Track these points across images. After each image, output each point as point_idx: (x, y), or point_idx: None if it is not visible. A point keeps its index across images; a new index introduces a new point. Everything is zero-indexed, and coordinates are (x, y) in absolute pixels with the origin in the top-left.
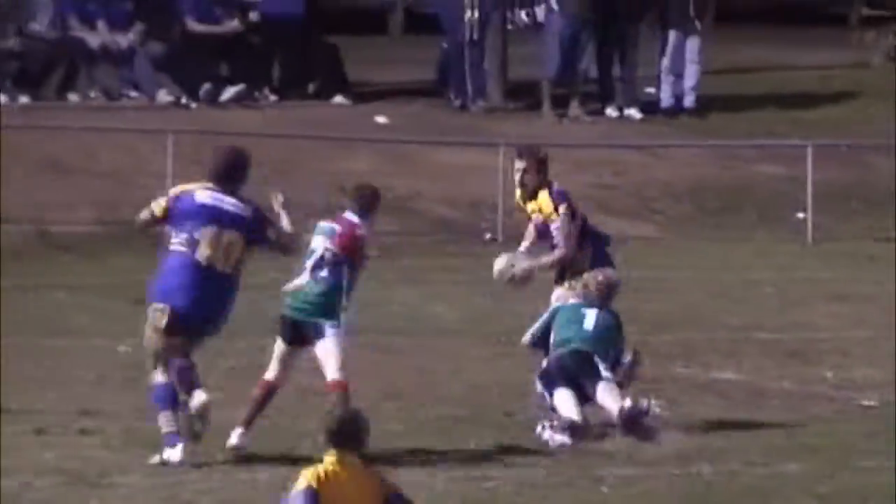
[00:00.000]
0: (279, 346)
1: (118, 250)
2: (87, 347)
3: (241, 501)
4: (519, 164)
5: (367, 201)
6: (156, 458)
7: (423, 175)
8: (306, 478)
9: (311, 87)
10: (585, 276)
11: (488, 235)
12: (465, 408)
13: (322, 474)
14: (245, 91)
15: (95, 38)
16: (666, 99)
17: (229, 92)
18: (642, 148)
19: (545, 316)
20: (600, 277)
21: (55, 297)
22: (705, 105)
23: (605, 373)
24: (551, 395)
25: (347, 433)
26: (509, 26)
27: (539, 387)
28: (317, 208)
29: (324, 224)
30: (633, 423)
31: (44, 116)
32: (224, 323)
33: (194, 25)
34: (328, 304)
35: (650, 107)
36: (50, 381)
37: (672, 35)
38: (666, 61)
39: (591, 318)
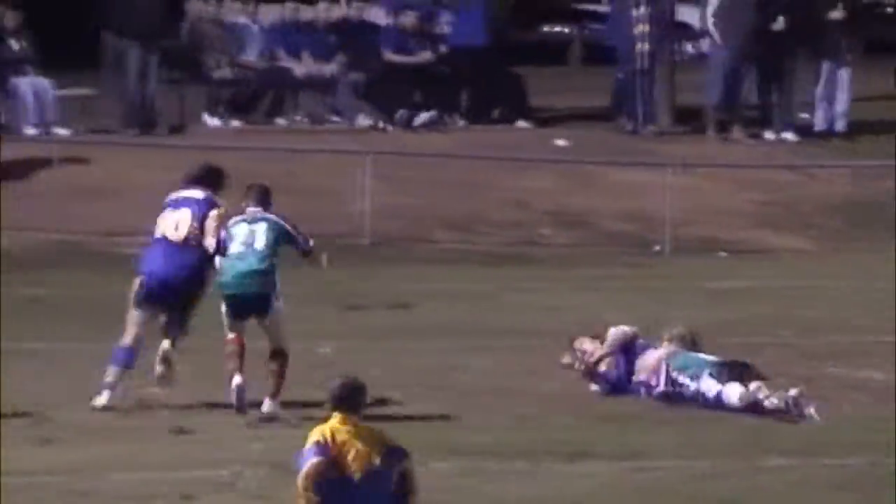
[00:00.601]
0: None
1: None
2: (294, 350)
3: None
4: None
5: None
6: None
7: (598, 193)
8: (316, 435)
9: (496, 113)
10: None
11: (657, 248)
12: (636, 405)
13: (329, 432)
14: (436, 116)
15: (301, 67)
16: (819, 123)
17: (422, 117)
18: (797, 168)
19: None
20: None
21: None
22: (855, 129)
23: None
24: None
25: (349, 397)
26: (677, 58)
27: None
28: (500, 222)
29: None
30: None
31: (254, 139)
32: None
33: (391, 56)
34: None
35: (805, 130)
36: (258, 380)
37: (825, 66)
38: (819, 89)
39: None
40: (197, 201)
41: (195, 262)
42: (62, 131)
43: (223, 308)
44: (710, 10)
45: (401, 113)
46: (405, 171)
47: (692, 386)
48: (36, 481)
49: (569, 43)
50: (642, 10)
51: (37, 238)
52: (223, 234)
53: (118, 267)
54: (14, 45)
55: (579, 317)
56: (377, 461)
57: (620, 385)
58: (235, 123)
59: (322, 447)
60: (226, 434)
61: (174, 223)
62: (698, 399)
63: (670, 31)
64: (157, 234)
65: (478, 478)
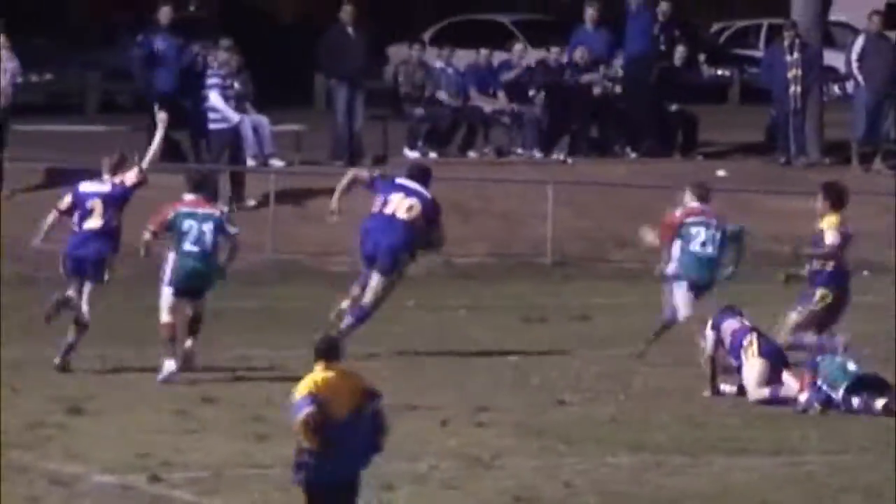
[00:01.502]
0: None
1: (508, 277)
2: (483, 358)
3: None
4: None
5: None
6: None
7: (756, 217)
8: (306, 386)
9: (668, 146)
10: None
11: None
12: (785, 407)
13: (316, 380)
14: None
15: (490, 105)
16: None
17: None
18: None
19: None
20: None
21: (457, 315)
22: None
23: None
24: None
25: (330, 349)
26: (825, 98)
27: None
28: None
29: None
30: None
31: (449, 169)
32: None
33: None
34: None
35: None
36: (451, 384)
37: None
38: None
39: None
40: (424, 197)
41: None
42: (278, 163)
43: None
44: (853, 55)
45: (572, 144)
46: (583, 197)
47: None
48: (255, 474)
49: (729, 84)
50: (795, 55)
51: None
52: None
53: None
54: (236, 84)
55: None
56: (358, 402)
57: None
58: (432, 155)
59: (313, 396)
60: (422, 429)
61: (408, 205)
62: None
63: (819, 74)
64: (388, 211)
65: (656, 472)
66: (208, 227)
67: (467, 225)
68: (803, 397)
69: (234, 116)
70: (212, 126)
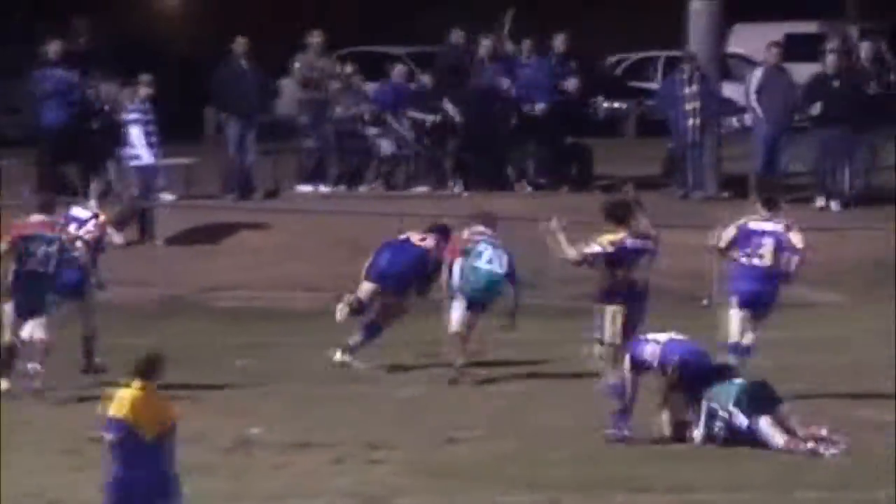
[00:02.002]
0: None
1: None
2: (377, 393)
3: None
4: None
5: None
6: None
7: None
8: (118, 406)
9: (562, 179)
10: None
11: (704, 301)
12: (688, 445)
13: (127, 399)
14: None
15: (385, 141)
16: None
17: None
18: (833, 230)
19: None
20: None
21: None
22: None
23: None
24: None
25: (149, 367)
26: (723, 130)
27: None
28: (564, 278)
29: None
30: None
31: (339, 203)
32: None
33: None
34: None
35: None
36: (345, 421)
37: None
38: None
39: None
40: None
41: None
42: (168, 196)
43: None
44: (752, 87)
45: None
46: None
47: (724, 419)
48: None
49: (626, 117)
50: (693, 87)
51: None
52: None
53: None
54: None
55: None
56: (166, 429)
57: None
58: (323, 189)
59: (119, 421)
60: (315, 467)
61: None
62: (734, 434)
63: (717, 106)
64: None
65: None
66: (52, 250)
67: (359, 261)
68: (696, 433)
69: (149, 156)
70: (132, 163)
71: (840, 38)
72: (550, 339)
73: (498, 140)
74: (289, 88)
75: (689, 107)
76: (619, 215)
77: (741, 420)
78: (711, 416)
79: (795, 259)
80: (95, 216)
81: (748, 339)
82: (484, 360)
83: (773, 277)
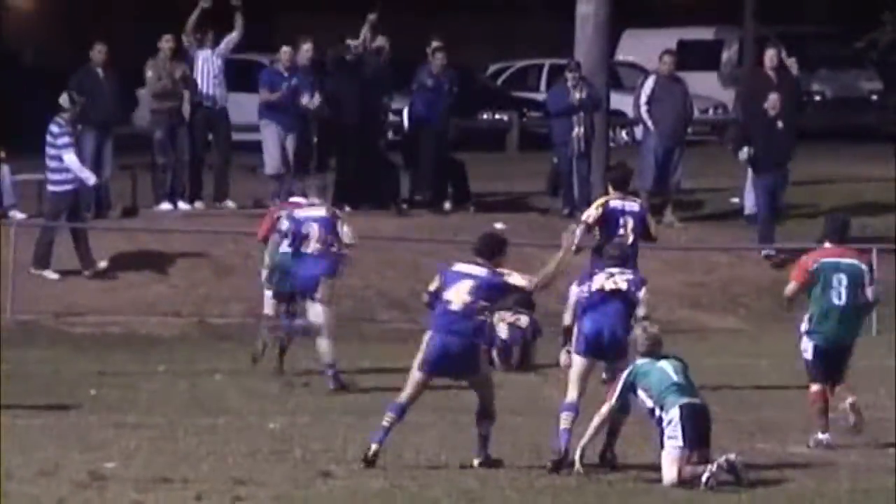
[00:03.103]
0: None
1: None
2: (241, 426)
3: None
4: None
5: None
6: None
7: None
8: None
9: (438, 197)
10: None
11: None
12: (571, 477)
13: None
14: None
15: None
16: (749, 207)
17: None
18: (728, 250)
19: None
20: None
21: (212, 380)
22: (784, 212)
23: None
24: None
25: None
26: (611, 144)
27: None
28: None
29: None
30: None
31: (202, 222)
32: None
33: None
34: None
35: (735, 215)
36: (207, 455)
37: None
38: (750, 174)
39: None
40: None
41: None
42: (19, 215)
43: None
44: (642, 98)
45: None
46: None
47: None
48: None
49: (507, 129)
50: (579, 98)
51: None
52: None
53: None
54: None
55: (520, 393)
56: None
57: None
58: (184, 206)
59: None
60: None
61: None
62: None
63: (605, 118)
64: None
65: None
66: None
67: (223, 282)
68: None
69: (91, 176)
70: (54, 188)
71: (738, 44)
72: None
73: (372, 155)
74: (147, 98)
75: (574, 119)
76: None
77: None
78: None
79: None
80: None
81: None
82: (358, 387)
83: None
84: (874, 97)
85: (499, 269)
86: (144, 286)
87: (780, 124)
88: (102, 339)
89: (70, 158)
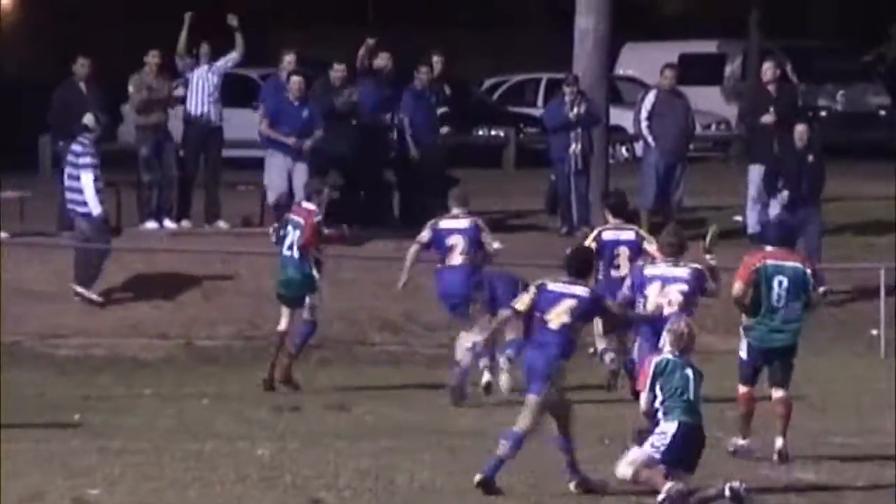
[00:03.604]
0: None
1: (257, 362)
2: (229, 451)
3: None
4: None
5: None
6: None
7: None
8: None
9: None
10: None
11: (591, 350)
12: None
13: None
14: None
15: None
16: (752, 226)
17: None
18: (732, 270)
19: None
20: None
21: (199, 404)
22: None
23: None
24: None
25: None
26: (611, 160)
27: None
28: (434, 324)
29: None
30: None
31: (188, 241)
32: None
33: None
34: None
35: (739, 234)
36: (194, 482)
37: (754, 170)
38: (752, 193)
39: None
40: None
41: None
42: (2, 234)
43: None
44: (643, 113)
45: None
46: (344, 273)
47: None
48: None
49: (504, 145)
50: (578, 113)
51: None
52: None
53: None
54: None
55: (505, 419)
56: None
57: None
58: (170, 225)
59: None
60: None
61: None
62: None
63: (604, 134)
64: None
65: None
66: None
67: (211, 304)
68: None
69: (98, 207)
70: (82, 209)
71: (742, 58)
72: (416, 390)
73: (370, 175)
74: (132, 114)
75: (573, 135)
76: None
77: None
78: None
79: None
80: None
81: None
82: (348, 411)
83: None
84: (882, 112)
85: (597, 293)
86: (130, 307)
87: (811, 158)
88: (87, 361)
89: (87, 180)
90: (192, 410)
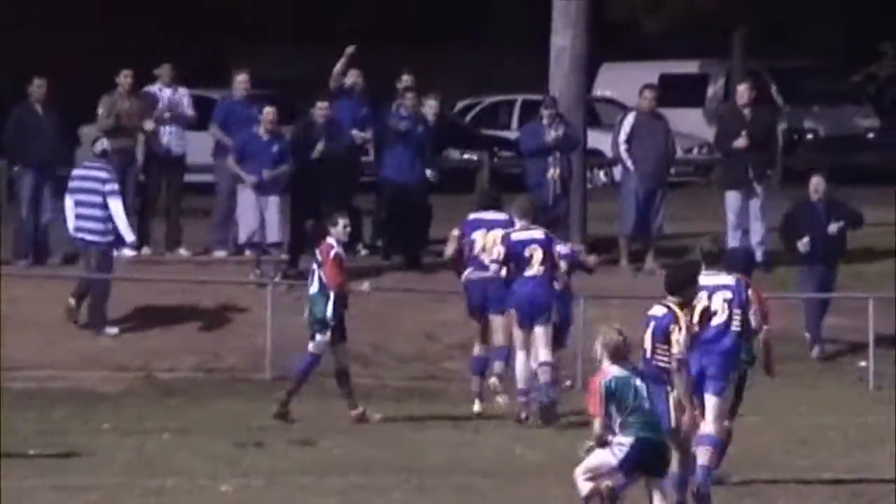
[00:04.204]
0: None
1: (220, 395)
2: (192, 488)
3: None
4: None
5: None
6: None
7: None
8: None
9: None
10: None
11: (568, 382)
12: None
13: None
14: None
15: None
16: None
17: None
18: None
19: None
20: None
21: (160, 439)
22: (774, 259)
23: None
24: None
25: None
26: (589, 185)
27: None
28: (406, 356)
29: None
30: None
31: (147, 270)
32: None
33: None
34: None
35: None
36: None
37: (731, 196)
38: (731, 219)
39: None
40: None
41: None
42: None
43: None
44: (621, 136)
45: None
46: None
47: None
48: None
49: (477, 169)
50: (555, 136)
51: None
52: None
53: None
54: None
55: (489, 454)
56: None
57: None
58: (128, 253)
59: None
60: None
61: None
62: None
63: (582, 158)
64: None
65: None
66: None
67: (171, 334)
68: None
69: (131, 234)
70: (100, 239)
71: (725, 79)
72: (385, 424)
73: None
74: (89, 137)
75: (550, 159)
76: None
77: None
78: None
79: None
80: None
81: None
82: (314, 446)
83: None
84: (871, 135)
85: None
86: (88, 338)
87: (832, 220)
88: (43, 394)
89: (118, 207)
90: (153, 445)
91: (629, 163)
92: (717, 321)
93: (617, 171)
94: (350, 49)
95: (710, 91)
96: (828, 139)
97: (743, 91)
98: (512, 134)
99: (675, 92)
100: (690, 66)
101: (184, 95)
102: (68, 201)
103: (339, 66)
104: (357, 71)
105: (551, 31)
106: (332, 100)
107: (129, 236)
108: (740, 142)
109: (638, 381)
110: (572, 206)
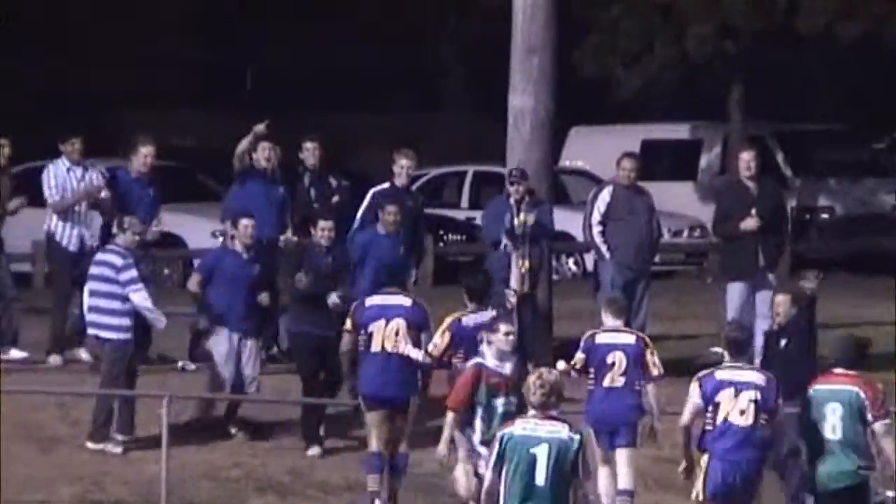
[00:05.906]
0: None
1: None
2: None
3: None
4: None
5: None
6: None
7: None
8: None
9: None
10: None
11: None
12: None
13: None
14: None
15: None
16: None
17: None
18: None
19: None
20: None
21: None
22: None
23: None
24: None
25: None
26: (555, 276)
27: None
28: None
29: None
30: None
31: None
32: None
33: None
34: None
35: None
36: None
37: (734, 288)
38: (733, 316)
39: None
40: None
41: None
42: None
43: None
44: (595, 215)
45: None
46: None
47: None
48: None
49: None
50: (523, 218)
51: None
52: None
53: None
54: None
55: None
56: None
57: None
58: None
59: None
60: None
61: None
62: None
63: (548, 243)
64: None
65: None
66: None
67: (47, 459)
68: None
69: (162, 318)
70: (111, 335)
71: (721, 146)
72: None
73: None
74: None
75: (519, 251)
76: None
77: None
78: None
79: None
80: None
81: None
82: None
83: None
84: None
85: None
86: None
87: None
88: None
89: (142, 300)
90: None
91: (604, 249)
92: (741, 422)
93: (589, 259)
94: (259, 127)
95: (704, 161)
96: (846, 218)
97: (748, 160)
98: (461, 213)
99: (660, 162)
100: (679, 131)
101: (94, 174)
102: None
103: (244, 144)
104: (268, 144)
105: (509, 89)
106: (240, 183)
107: (161, 322)
108: (750, 223)
109: (536, 448)
110: (539, 303)
